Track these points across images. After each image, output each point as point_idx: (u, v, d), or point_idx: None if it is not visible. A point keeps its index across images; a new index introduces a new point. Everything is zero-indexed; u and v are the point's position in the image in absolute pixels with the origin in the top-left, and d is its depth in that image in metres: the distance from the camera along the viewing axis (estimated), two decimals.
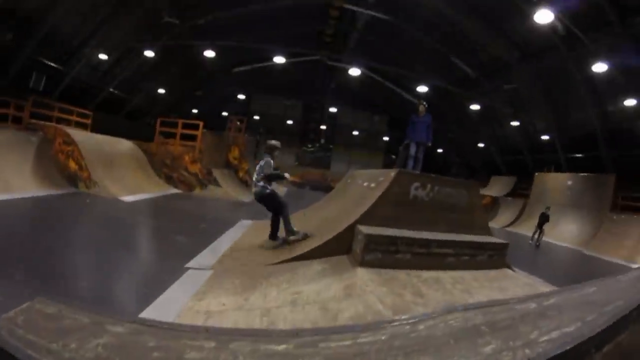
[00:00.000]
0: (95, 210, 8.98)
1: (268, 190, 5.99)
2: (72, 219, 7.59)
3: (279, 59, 21.29)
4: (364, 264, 4.13)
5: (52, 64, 16.92)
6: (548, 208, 15.58)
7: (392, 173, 4.89)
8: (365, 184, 5.38)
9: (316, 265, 4.34)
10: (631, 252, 13.91)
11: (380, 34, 21.72)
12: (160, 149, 14.80)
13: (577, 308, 2.02)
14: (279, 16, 21.23)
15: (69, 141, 10.81)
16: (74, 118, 14.10)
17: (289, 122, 38.19)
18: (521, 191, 24.06)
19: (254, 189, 6.14)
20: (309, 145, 38.45)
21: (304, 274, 4.17)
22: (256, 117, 35.21)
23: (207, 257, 5.21)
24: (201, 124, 15.32)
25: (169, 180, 14.10)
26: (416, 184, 4.95)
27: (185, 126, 15.40)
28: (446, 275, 4.41)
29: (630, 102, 16.25)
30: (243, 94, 33.88)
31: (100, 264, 4.66)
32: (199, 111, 32.24)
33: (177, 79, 26.08)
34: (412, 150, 8.12)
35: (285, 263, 4.50)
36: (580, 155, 21.21)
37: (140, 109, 25.31)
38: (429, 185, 5.06)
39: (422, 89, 23.63)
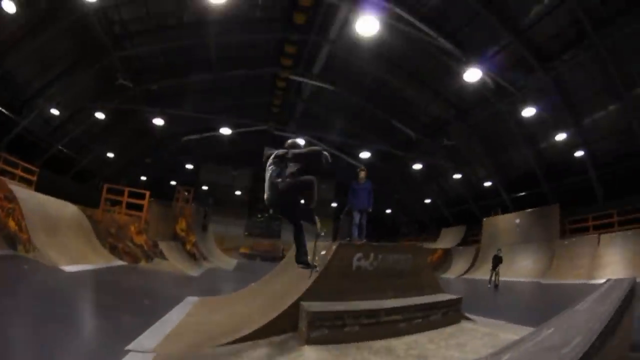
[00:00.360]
0: (32, 278, 8.08)
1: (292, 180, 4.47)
2: (3, 285, 6.85)
3: (227, 130, 21.51)
4: (310, 341, 3.90)
5: (2, 109, 15.91)
6: (499, 250, 16.11)
7: (333, 246, 4.80)
8: (309, 257, 5.24)
9: (262, 347, 4.04)
10: (588, 269, 14.67)
11: (325, 103, 22.71)
12: (106, 217, 14.03)
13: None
14: (229, 86, 21.85)
15: (11, 197, 9.87)
16: (19, 172, 13.03)
17: (238, 192, 37.76)
18: (472, 238, 24.81)
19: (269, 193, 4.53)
20: (259, 215, 37.79)
21: (250, 356, 3.85)
22: (205, 188, 34.68)
23: (150, 338, 4.70)
24: (147, 193, 14.81)
25: (114, 250, 13.14)
26: (358, 255, 4.88)
27: (131, 195, 14.81)
28: (399, 342, 4.24)
29: (560, 137, 17.81)
30: (192, 163, 33.46)
31: (30, 343, 4.07)
32: (147, 179, 31.48)
33: (127, 143, 25.53)
34: (356, 218, 8.13)
35: (230, 345, 4.16)
36: (523, 193, 22.37)
37: (88, 170, 24.28)
38: (371, 255, 5.00)
39: (366, 154, 24.70)
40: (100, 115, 19.05)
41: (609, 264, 14.61)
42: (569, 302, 4.64)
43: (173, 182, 30.06)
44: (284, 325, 4.14)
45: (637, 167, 16.23)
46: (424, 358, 3.88)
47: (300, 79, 20.09)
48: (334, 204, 37.62)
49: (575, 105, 17.03)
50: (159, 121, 20.21)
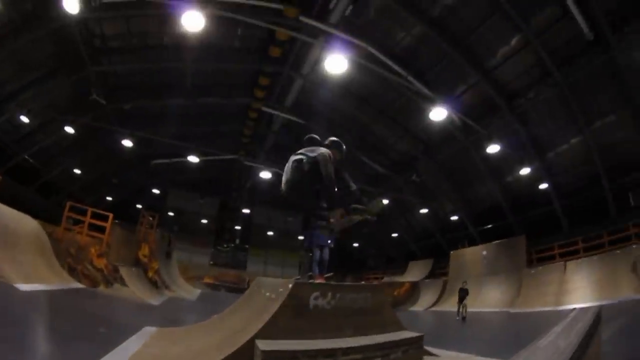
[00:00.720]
0: None
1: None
2: None
3: (196, 158, 21.31)
4: None
5: None
6: (465, 282, 16.47)
7: (290, 284, 4.74)
8: (267, 294, 5.14)
9: None
10: (556, 296, 14.97)
11: (295, 136, 22.88)
12: (67, 236, 13.28)
13: None
14: (202, 113, 21.81)
15: None
16: None
17: (205, 220, 36.92)
18: (440, 271, 24.99)
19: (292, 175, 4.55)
20: (225, 245, 37.14)
21: None
22: (171, 214, 33.93)
23: None
24: (111, 215, 14.35)
25: (72, 272, 12.28)
26: (315, 294, 4.79)
27: (94, 215, 14.23)
28: None
29: (524, 171, 18.57)
30: (160, 187, 32.75)
31: None
32: (113, 199, 30.57)
33: (96, 161, 24.78)
34: (316, 254, 8.08)
35: None
36: (490, 225, 22.92)
37: (53, 184, 23.30)
38: (329, 294, 4.91)
39: None
40: (69, 130, 18.51)
41: (576, 289, 15.04)
42: (536, 330, 4.75)
43: (139, 206, 29.22)
44: None
45: (599, 196, 17.25)
46: None
47: (272, 111, 20.24)
48: (301, 237, 37.49)
49: (539, 140, 17.92)
50: (128, 142, 19.80)
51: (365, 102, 19.61)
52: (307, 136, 5.25)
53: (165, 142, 20.49)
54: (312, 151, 4.61)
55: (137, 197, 31.91)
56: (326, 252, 8.12)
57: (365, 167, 23.53)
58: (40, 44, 14.67)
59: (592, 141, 16.56)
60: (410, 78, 15.63)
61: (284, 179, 4.54)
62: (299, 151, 4.70)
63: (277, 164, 22.05)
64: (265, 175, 22.26)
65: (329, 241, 8.33)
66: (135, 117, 20.06)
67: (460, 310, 15.45)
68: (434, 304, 21.58)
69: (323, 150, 4.77)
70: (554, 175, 18.60)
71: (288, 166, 4.56)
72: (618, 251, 15.36)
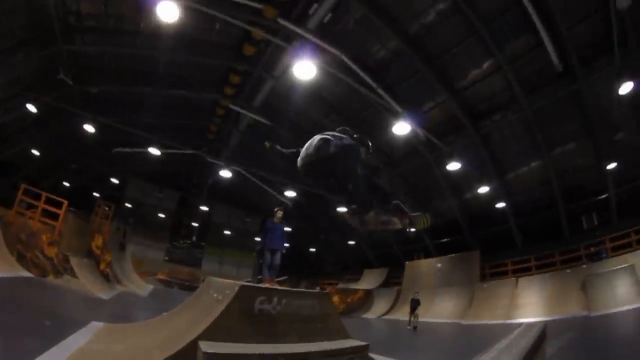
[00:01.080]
0: None
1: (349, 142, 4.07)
2: None
3: (159, 150, 20.75)
4: None
5: None
6: (416, 293, 16.92)
7: (236, 287, 4.75)
8: (215, 294, 5.13)
9: None
10: (506, 310, 15.65)
11: (261, 137, 22.70)
12: (18, 221, 12.76)
13: None
14: (170, 105, 21.25)
15: None
16: None
17: (162, 215, 35.65)
18: (394, 280, 25.55)
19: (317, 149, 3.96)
20: (181, 242, 36.10)
21: None
22: (128, 205, 32.68)
23: None
24: (65, 202, 13.89)
25: (21, 259, 11.80)
26: (261, 298, 4.84)
27: (48, 201, 13.72)
28: None
29: (483, 190, 19.27)
30: (119, 177, 31.52)
31: None
32: (70, 185, 29.32)
33: (56, 144, 23.57)
34: (267, 258, 8.14)
35: None
36: (446, 239, 23.58)
37: (10, 163, 22.07)
38: (275, 299, 4.97)
39: (292, 193, 24.75)
40: (32, 108, 17.49)
41: (526, 304, 15.80)
42: (486, 342, 4.94)
43: (96, 194, 27.97)
44: None
45: (554, 217, 18.41)
46: None
47: (240, 110, 20.02)
48: (258, 239, 36.93)
49: (500, 161, 18.70)
50: (91, 128, 19.06)
51: (334, 110, 19.74)
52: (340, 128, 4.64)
53: (130, 130, 19.86)
54: (340, 138, 4.16)
55: (95, 185, 30.75)
56: (278, 256, 8.20)
57: None
58: (13, 13, 13.83)
59: (552, 166, 17.68)
60: (380, 91, 15.87)
61: (303, 153, 4.08)
62: (327, 132, 4.29)
63: (240, 163, 21.83)
64: (227, 174, 21.89)
65: (281, 246, 8.39)
66: (101, 102, 19.33)
67: (412, 319, 15.80)
68: (387, 312, 22.03)
69: (353, 142, 4.31)
70: (512, 195, 19.47)
71: (312, 143, 4.09)
72: (569, 270, 16.46)
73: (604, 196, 18.30)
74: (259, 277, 7.95)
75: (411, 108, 16.86)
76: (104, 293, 12.74)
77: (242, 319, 4.57)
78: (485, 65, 15.66)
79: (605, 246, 16.81)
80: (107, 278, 15.64)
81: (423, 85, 16.60)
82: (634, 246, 15.73)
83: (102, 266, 15.88)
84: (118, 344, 5.53)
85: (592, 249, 17.23)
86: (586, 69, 14.47)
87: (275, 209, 8.82)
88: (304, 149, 4.11)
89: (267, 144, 5.41)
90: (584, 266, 16.12)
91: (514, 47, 14.79)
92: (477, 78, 16.24)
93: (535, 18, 12.77)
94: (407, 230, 4.71)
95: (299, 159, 4.11)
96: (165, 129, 21.73)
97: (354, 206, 4.27)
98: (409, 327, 15.63)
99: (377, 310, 23.15)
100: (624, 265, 14.49)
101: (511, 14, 13.61)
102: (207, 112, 21.97)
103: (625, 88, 13.51)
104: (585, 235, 18.14)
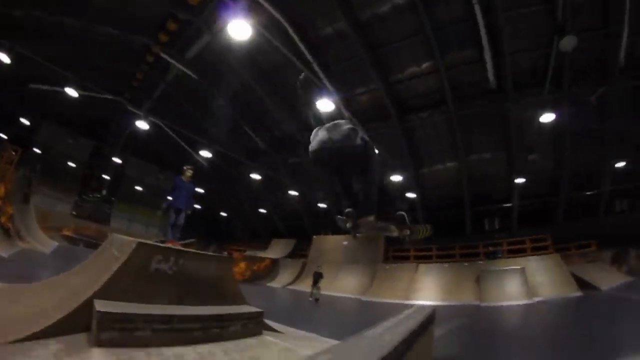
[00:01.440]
0: None
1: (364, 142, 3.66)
2: None
3: (77, 91, 18.61)
4: (100, 343, 3.65)
5: None
6: (320, 266, 17.49)
7: (134, 244, 4.60)
8: (115, 252, 4.92)
9: (51, 346, 3.69)
10: (405, 292, 16.67)
11: (186, 92, 21.53)
12: None
13: None
14: (98, 42, 19.00)
15: None
16: None
17: (72, 164, 31.54)
18: (301, 252, 26.17)
19: (322, 139, 3.66)
20: (90, 195, 32.66)
21: (35, 356, 3.49)
22: (37, 151, 28.66)
23: None
24: None
25: None
26: (158, 257, 4.67)
27: None
28: (192, 351, 4.17)
29: (396, 178, 20.26)
30: (31, 117, 27.48)
31: None
32: None
33: None
34: (172, 217, 7.96)
35: (20, 342, 3.71)
36: None
37: None
38: (172, 259, 4.84)
39: (208, 154, 23.94)
40: None
41: (424, 289, 17.14)
42: (382, 319, 5.27)
43: (3, 135, 24.55)
44: (77, 324, 3.84)
45: (460, 216, 20.41)
46: None
47: (170, 60, 18.79)
48: (171, 197, 34.88)
49: (418, 155, 19.78)
50: (5, 57, 16.54)
51: (266, 77, 19.36)
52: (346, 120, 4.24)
53: (49, 66, 17.68)
54: (357, 132, 3.73)
55: (4, 124, 26.66)
56: (182, 216, 8.03)
57: (246, 138, 23.35)
58: None
59: (466, 169, 19.49)
60: (315, 66, 15.87)
61: (324, 136, 3.65)
62: (344, 121, 3.86)
63: (161, 117, 20.65)
64: (146, 126, 20.44)
65: (188, 206, 8.20)
66: (22, 29, 16.93)
67: (314, 291, 16.33)
68: (292, 283, 22.67)
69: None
70: (424, 188, 20.86)
71: (337, 129, 3.71)
72: (466, 264, 18.26)
73: (508, 205, 21.02)
74: (161, 237, 7.80)
75: (342, 88, 17.14)
76: (3, 250, 11.66)
77: (139, 278, 4.43)
78: (425, 65, 16.44)
79: (502, 248, 19.19)
80: (8, 233, 14.14)
81: (360, 70, 16.89)
82: (527, 252, 18.33)
83: (2, 219, 14.31)
84: (16, 304, 5.12)
85: (490, 249, 19.45)
86: (518, 93, 16.19)
87: (185, 167, 8.55)
88: (324, 130, 3.71)
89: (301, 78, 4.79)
90: (481, 262, 18.06)
91: (456, 56, 15.76)
92: (413, 75, 16.98)
93: (483, 35, 13.69)
94: (403, 238, 4.45)
95: (317, 140, 3.66)
96: (86, 69, 19.54)
97: (353, 209, 3.90)
98: (310, 299, 16.10)
99: (282, 279, 23.67)
100: (516, 267, 16.72)
101: (463, 25, 14.38)
102: (135, 56, 20.16)
103: (547, 118, 15.57)
104: (485, 235, 20.57)
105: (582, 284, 16.01)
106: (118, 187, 34.10)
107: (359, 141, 3.61)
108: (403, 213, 4.23)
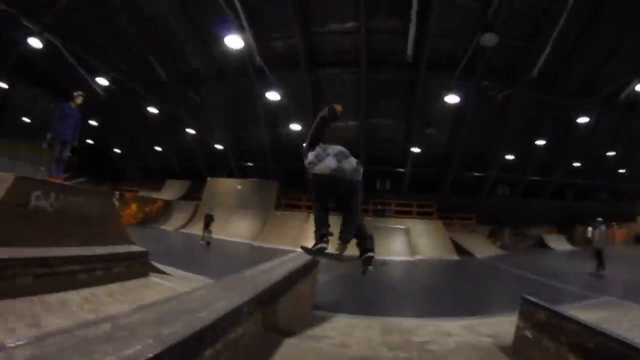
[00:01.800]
0: None
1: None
2: None
3: None
4: None
5: None
6: (211, 209, 17.40)
7: (11, 179, 4.08)
8: None
9: None
10: (295, 239, 16.75)
11: (92, 10, 18.42)
12: None
13: (159, 322, 2.06)
14: None
15: None
16: None
17: None
18: (195, 194, 25.45)
19: (332, 165, 3.76)
20: None
21: None
22: None
23: None
24: None
25: None
26: (37, 193, 4.25)
27: None
28: (76, 295, 3.98)
29: (295, 127, 20.89)
30: None
31: None
32: None
33: None
34: (57, 151, 7.08)
35: None
36: (251, 164, 25.12)
37: None
38: (52, 194, 4.45)
39: (104, 81, 21.38)
40: None
41: (313, 238, 17.85)
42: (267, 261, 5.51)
43: None
44: None
45: None
46: (98, 312, 3.73)
47: None
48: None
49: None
50: None
51: (183, 6, 17.73)
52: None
53: None
54: (361, 166, 4.02)
55: None
56: (67, 149, 7.12)
57: (149, 68, 21.17)
58: None
59: (365, 130, 20.51)
60: (237, 4, 14.35)
61: (335, 164, 3.79)
62: (347, 151, 4.05)
63: (59, 35, 17.57)
64: (39, 44, 17.03)
65: (74, 138, 7.29)
66: None
67: (205, 235, 16.22)
68: (184, 226, 22.21)
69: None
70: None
71: (349, 160, 3.90)
72: None
73: (401, 170, 22.98)
74: (46, 175, 6.84)
75: (258, 29, 16.40)
76: None
77: (16, 217, 3.96)
78: (348, 24, 16.53)
79: (390, 208, 21.03)
80: None
81: (281, 13, 16.24)
82: (413, 215, 20.62)
83: None
84: None
85: (379, 207, 21.11)
86: (431, 72, 17.34)
87: (76, 93, 7.43)
88: (332, 158, 3.84)
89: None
90: (369, 218, 19.20)
91: (381, 22, 16.01)
92: (334, 30, 16.97)
93: (414, 11, 14.02)
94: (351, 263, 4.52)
95: (327, 166, 3.78)
96: None
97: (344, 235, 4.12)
98: (202, 242, 16.02)
99: (175, 222, 23.03)
100: (401, 227, 18.56)
101: None
102: None
103: (452, 99, 17.22)
104: (376, 194, 22.24)
105: (460, 250, 18.54)
106: (2, 119, 25.86)
107: (361, 176, 3.95)
108: (373, 239, 4.59)
